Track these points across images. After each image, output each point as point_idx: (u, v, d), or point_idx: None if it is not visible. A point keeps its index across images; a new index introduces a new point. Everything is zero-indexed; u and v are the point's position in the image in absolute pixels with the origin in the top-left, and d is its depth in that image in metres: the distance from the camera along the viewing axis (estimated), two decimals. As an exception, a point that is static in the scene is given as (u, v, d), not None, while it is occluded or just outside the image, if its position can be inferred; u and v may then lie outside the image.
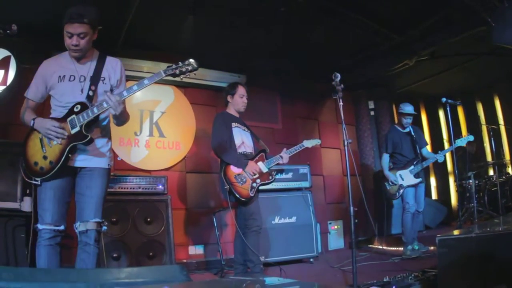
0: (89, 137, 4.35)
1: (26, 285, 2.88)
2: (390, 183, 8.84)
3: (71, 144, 4.31)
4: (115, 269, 3.83)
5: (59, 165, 4.28)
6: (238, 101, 7.05)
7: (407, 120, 8.95)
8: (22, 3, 6.93)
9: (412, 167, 8.66)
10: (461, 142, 8.68)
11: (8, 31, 4.20)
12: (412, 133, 8.93)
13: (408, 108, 8.95)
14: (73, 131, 4.32)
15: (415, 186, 8.71)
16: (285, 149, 7.03)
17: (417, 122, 14.00)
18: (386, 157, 9.14)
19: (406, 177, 8.69)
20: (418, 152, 8.79)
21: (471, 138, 8.72)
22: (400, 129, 9.12)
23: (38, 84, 4.60)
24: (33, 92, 4.61)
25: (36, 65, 4.70)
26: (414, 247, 8.49)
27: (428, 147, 9.13)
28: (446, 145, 13.61)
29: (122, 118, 4.72)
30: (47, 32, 6.41)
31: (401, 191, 8.70)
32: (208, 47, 9.04)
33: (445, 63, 10.94)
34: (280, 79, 11.21)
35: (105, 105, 4.31)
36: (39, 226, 4.25)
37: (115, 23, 7.93)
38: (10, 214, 5.90)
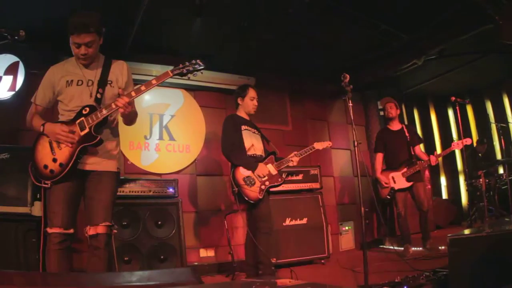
0: (98, 138, 4.38)
1: (38, 289, 2.89)
2: (383, 185, 8.89)
3: (81, 146, 4.34)
4: (126, 272, 3.84)
5: (69, 166, 4.30)
6: (248, 104, 7.04)
7: (387, 111, 9.14)
8: (30, 10, 6.95)
9: (405, 169, 8.70)
10: (457, 146, 8.62)
11: (16, 37, 4.21)
12: (405, 132, 8.93)
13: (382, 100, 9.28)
14: (82, 133, 4.34)
15: (407, 189, 8.76)
16: (294, 152, 7.03)
17: (426, 122, 14.03)
18: (377, 158, 9.27)
19: (398, 180, 8.76)
20: (412, 152, 8.80)
21: (469, 141, 8.67)
22: (390, 128, 9.22)
23: (46, 89, 4.63)
24: (41, 97, 4.65)
25: (45, 70, 4.73)
26: (407, 249, 8.67)
27: (421, 146, 9.06)
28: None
29: (131, 117, 4.78)
30: (55, 37, 6.42)
31: (392, 193, 8.74)
32: (216, 49, 9.06)
33: (453, 62, 10.92)
34: (289, 80, 11.24)
35: (114, 106, 4.34)
36: (49, 230, 4.26)
37: (123, 27, 7.96)
38: (21, 218, 5.93)
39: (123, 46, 8.63)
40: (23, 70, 7.74)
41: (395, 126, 9.15)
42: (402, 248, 8.75)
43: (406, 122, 9.44)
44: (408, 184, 8.66)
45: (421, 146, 9.17)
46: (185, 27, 8.06)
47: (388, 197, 8.87)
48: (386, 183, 8.82)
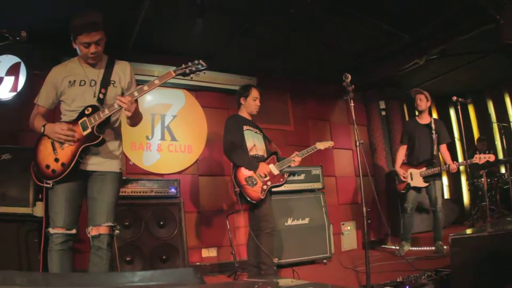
0: (101, 138, 4.38)
1: (40, 290, 2.89)
2: (401, 179, 8.87)
3: (83, 146, 4.34)
4: (128, 272, 3.83)
5: (71, 166, 4.30)
6: (251, 104, 7.06)
7: (417, 103, 8.99)
8: (31, 10, 6.95)
9: (424, 169, 8.59)
10: (479, 160, 8.38)
11: (17, 38, 4.21)
12: (432, 128, 8.74)
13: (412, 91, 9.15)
14: (84, 133, 4.35)
15: (422, 188, 8.72)
16: (296, 152, 7.02)
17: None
18: (400, 150, 9.21)
19: (415, 177, 8.67)
20: (435, 153, 8.62)
21: (492, 157, 8.44)
22: (418, 120, 9.08)
23: (49, 90, 4.63)
24: (44, 99, 4.65)
25: (46, 71, 4.73)
26: (403, 248, 8.77)
27: (446, 146, 8.91)
28: (458, 144, 13.58)
29: (135, 118, 4.77)
30: (57, 38, 6.42)
31: (407, 188, 8.76)
32: (218, 50, 9.06)
33: (455, 62, 10.90)
34: (291, 80, 11.25)
35: (116, 106, 4.34)
36: (51, 231, 4.27)
37: (125, 28, 7.96)
38: (23, 219, 5.93)
39: (124, 47, 8.64)
40: (25, 71, 7.75)
41: (424, 119, 8.98)
42: (416, 248, 8.78)
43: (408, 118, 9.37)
44: (424, 185, 8.59)
45: (446, 145, 8.93)
46: (186, 27, 8.05)
47: (403, 191, 8.88)
48: (404, 178, 8.82)
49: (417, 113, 9.34)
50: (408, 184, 8.73)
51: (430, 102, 9.00)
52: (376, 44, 9.57)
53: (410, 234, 8.93)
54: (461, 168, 13.24)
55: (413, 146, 8.95)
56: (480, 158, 8.22)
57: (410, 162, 8.98)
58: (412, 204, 8.76)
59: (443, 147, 8.80)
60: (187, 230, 7.82)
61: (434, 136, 8.65)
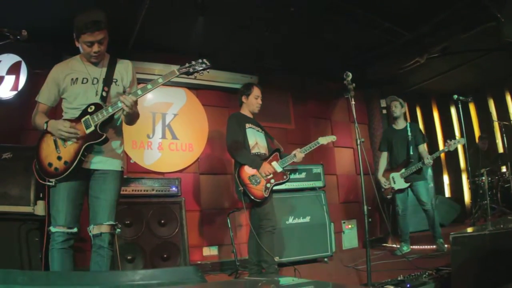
0: (104, 136, 4.37)
1: (41, 288, 2.89)
2: (383, 186, 9.00)
3: (86, 144, 4.34)
4: (129, 271, 3.84)
5: (74, 164, 4.30)
6: (253, 102, 7.06)
7: (392, 110, 9.17)
8: (32, 9, 6.95)
9: (403, 170, 8.72)
10: (452, 147, 8.51)
11: (18, 37, 4.21)
12: (408, 131, 8.89)
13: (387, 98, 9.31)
14: (87, 131, 4.34)
15: (406, 189, 8.83)
16: (298, 149, 7.02)
17: (429, 120, 14.00)
18: (381, 157, 9.42)
19: (397, 180, 8.81)
20: (412, 152, 8.73)
21: (462, 141, 8.53)
22: (394, 126, 9.26)
23: (51, 88, 4.62)
24: (46, 96, 4.64)
25: (47, 70, 4.72)
26: (402, 248, 8.80)
27: (424, 146, 8.96)
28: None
29: (133, 117, 4.75)
30: (58, 37, 6.43)
31: (392, 193, 8.89)
32: (219, 48, 9.05)
33: (456, 60, 10.90)
34: (292, 79, 11.24)
35: (119, 104, 4.33)
36: (52, 229, 4.27)
37: (126, 26, 7.95)
38: (24, 218, 5.93)
39: (125, 45, 8.64)
40: (26, 70, 7.75)
41: (400, 124, 9.13)
42: (416, 246, 8.82)
43: (409, 120, 9.38)
44: (406, 185, 8.71)
45: (425, 145, 9.03)
46: (187, 25, 8.06)
47: (389, 197, 8.96)
48: (385, 184, 8.93)
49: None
50: (393, 188, 8.85)
51: (404, 108, 9.24)
52: (377, 42, 9.57)
53: (408, 235, 9.02)
54: (462, 166, 13.30)
55: (392, 152, 9.15)
56: (450, 145, 8.40)
57: (391, 166, 9.14)
58: (402, 205, 8.89)
59: (422, 148, 8.90)
60: (188, 228, 7.82)
61: (409, 138, 8.77)
